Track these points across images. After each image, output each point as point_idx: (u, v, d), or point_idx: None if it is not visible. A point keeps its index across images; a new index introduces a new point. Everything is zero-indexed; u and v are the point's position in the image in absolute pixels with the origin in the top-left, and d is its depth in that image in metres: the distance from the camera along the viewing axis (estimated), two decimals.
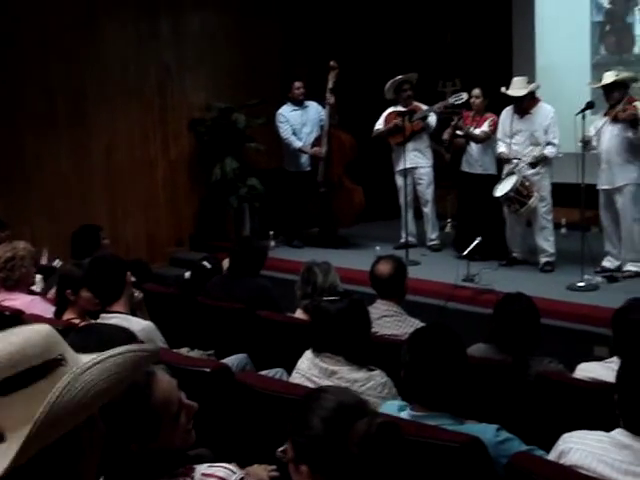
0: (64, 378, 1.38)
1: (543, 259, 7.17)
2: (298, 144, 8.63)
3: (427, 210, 8.26)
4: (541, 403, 3.29)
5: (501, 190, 6.94)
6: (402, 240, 8.16)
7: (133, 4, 8.66)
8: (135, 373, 1.52)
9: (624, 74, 6.86)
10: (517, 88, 7.09)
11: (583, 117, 6.37)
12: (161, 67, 8.98)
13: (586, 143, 6.53)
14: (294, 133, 8.65)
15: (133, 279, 4.01)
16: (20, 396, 1.38)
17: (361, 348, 3.17)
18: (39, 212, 7.98)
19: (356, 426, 1.80)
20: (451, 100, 7.79)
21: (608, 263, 6.94)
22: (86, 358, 1.46)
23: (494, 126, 7.50)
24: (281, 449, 1.93)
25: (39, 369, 1.40)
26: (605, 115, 6.69)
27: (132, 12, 8.66)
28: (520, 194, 6.87)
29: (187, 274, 5.93)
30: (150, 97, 8.91)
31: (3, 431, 1.38)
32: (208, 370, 3.14)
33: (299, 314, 4.38)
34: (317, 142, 8.65)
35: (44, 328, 1.48)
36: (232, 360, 4.17)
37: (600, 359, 3.56)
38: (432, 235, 8.33)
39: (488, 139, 7.56)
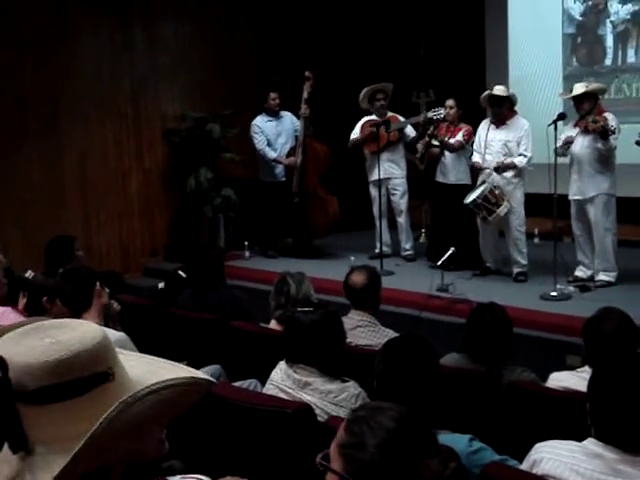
0: (115, 406, 1.24)
1: (516, 269, 7.22)
2: (273, 155, 8.63)
3: (401, 220, 8.29)
4: (514, 413, 3.30)
5: (470, 197, 6.98)
6: (376, 250, 8.18)
7: (107, 15, 8.63)
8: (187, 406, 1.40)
9: (594, 85, 6.93)
10: (499, 90, 7.17)
11: (555, 128, 6.44)
12: (135, 77, 8.96)
13: (559, 155, 6.57)
14: (269, 144, 8.65)
15: (107, 290, 3.98)
16: (56, 408, 1.25)
17: (335, 359, 3.17)
18: (11, 222, 7.92)
19: (429, 465, 1.65)
20: (429, 114, 7.83)
21: (580, 273, 6.99)
22: (137, 371, 1.34)
23: (468, 136, 7.57)
24: (322, 454, 1.73)
25: (85, 382, 1.26)
26: (575, 126, 6.76)
27: (106, 22, 8.64)
28: (488, 201, 6.91)
29: (161, 284, 5.91)
30: (124, 107, 8.87)
31: (33, 444, 1.25)
32: None
33: (273, 325, 4.36)
34: (292, 152, 8.65)
35: (98, 334, 1.32)
36: (206, 371, 4.15)
37: (572, 368, 3.57)
38: (406, 245, 8.36)
39: (463, 148, 7.62)
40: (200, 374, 1.44)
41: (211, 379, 1.46)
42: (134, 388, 1.30)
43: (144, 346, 4.08)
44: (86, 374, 1.26)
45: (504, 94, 7.13)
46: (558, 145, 6.56)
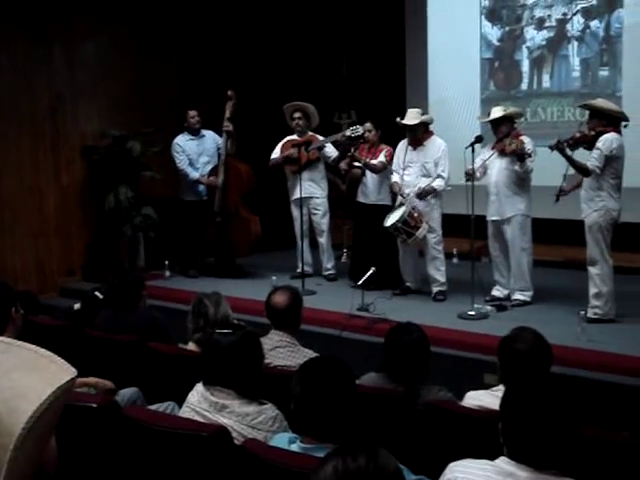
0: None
1: (435, 288, 7.32)
2: (195, 175, 8.57)
3: (322, 240, 8.32)
4: (430, 432, 3.33)
5: (390, 220, 7.06)
6: (298, 270, 8.19)
7: (25, 31, 8.46)
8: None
9: (511, 109, 7.11)
10: (411, 118, 7.25)
11: (472, 150, 6.57)
12: (53, 93, 8.79)
13: (470, 176, 6.71)
14: (191, 163, 8.59)
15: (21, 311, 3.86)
16: None
17: (252, 381, 3.14)
18: None
19: None
20: (347, 132, 7.88)
21: (497, 292, 7.13)
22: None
23: (390, 157, 7.64)
24: None
25: None
26: (493, 148, 6.91)
27: (24, 39, 8.45)
28: (408, 225, 7.00)
29: (77, 305, 5.79)
30: (41, 124, 8.69)
31: None
32: (95, 405, 3.05)
33: (191, 347, 4.31)
34: (214, 171, 8.61)
35: None
36: (122, 394, 4.08)
37: (489, 387, 3.62)
38: (328, 265, 8.39)
39: (385, 169, 7.69)
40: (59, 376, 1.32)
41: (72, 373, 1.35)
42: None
43: None
44: None
45: (416, 121, 7.21)
46: (476, 166, 6.70)
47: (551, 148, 6.15)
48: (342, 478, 1.72)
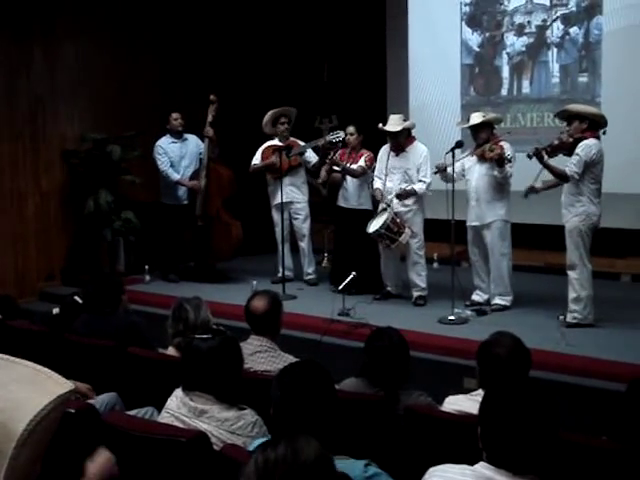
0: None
1: (416, 293, 7.33)
2: (176, 177, 8.54)
3: (303, 245, 8.32)
4: (410, 437, 3.33)
5: (373, 227, 7.07)
6: (279, 274, 8.18)
7: (5, 33, 8.40)
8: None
9: (491, 115, 7.15)
10: (393, 124, 7.25)
11: (453, 156, 6.60)
12: (33, 96, 8.73)
13: (442, 170, 6.74)
14: (172, 165, 8.57)
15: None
16: None
17: (232, 387, 3.14)
18: None
19: None
20: (328, 138, 7.89)
21: (477, 297, 7.16)
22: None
23: (370, 162, 7.65)
24: None
25: None
26: (472, 154, 6.94)
27: (3, 41, 8.40)
28: (391, 231, 7.02)
29: (55, 310, 5.74)
30: (21, 127, 8.63)
31: None
32: (73, 411, 3.03)
33: (171, 352, 4.29)
34: (196, 175, 8.59)
35: None
36: (101, 399, 4.05)
37: (469, 391, 3.63)
38: (309, 269, 8.39)
39: (365, 174, 7.71)
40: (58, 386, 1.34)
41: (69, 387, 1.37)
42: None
43: None
44: None
45: (399, 128, 7.22)
46: (440, 167, 6.76)
47: (529, 156, 6.20)
48: (262, 469, 1.75)
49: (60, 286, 8.80)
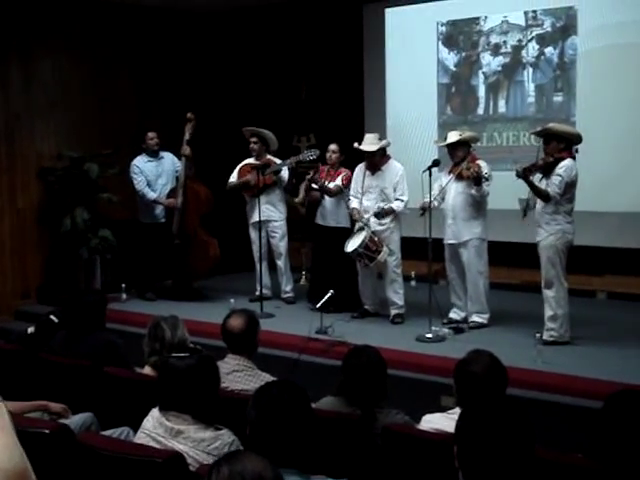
0: None
1: (393, 311, 7.34)
2: (152, 195, 8.52)
3: (280, 263, 8.32)
4: (387, 456, 3.32)
5: (351, 246, 7.09)
6: (257, 292, 8.17)
7: None
8: None
9: (467, 134, 7.20)
10: (369, 144, 7.28)
11: (430, 174, 6.64)
12: (10, 114, 8.69)
13: (424, 210, 6.78)
14: (149, 184, 8.54)
15: None
16: None
17: (209, 406, 3.12)
18: None
19: None
20: (303, 156, 7.93)
21: (454, 315, 7.18)
22: None
23: (347, 180, 7.67)
24: None
25: None
26: (450, 173, 6.98)
27: None
28: (369, 249, 7.03)
29: (30, 329, 5.68)
30: None
31: None
32: (47, 431, 3.00)
33: (147, 371, 4.26)
34: (172, 193, 8.57)
35: None
36: (77, 420, 4.02)
37: (447, 409, 3.63)
38: (286, 287, 8.38)
39: (341, 193, 7.72)
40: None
41: None
42: None
43: (13, 394, 3.92)
44: None
45: (375, 148, 7.25)
46: (434, 193, 6.77)
47: (518, 175, 6.23)
48: None
49: (36, 305, 8.73)
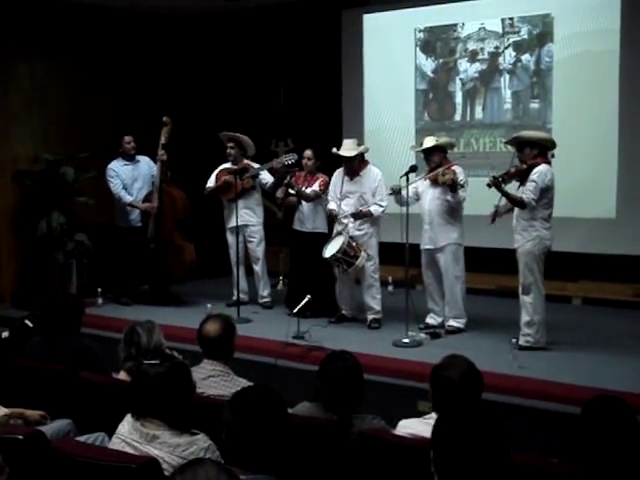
0: None
1: (370, 316, 7.35)
2: (129, 199, 8.47)
3: (258, 268, 8.29)
4: (363, 461, 3.32)
5: (329, 251, 7.09)
6: (234, 297, 8.14)
7: None
8: None
9: (443, 139, 7.24)
10: (347, 149, 7.29)
11: (407, 179, 6.66)
12: None
13: (397, 193, 6.80)
14: (125, 188, 8.49)
15: None
16: None
17: (183, 412, 3.10)
18: None
19: None
20: (281, 160, 7.91)
21: (431, 320, 7.20)
22: None
23: (324, 186, 7.67)
24: None
25: None
26: (425, 178, 7.01)
27: None
28: (347, 255, 7.04)
29: (5, 333, 5.64)
30: None
31: None
32: (21, 437, 2.97)
33: (123, 376, 4.23)
34: (149, 197, 8.52)
35: None
36: (55, 426, 3.98)
37: (423, 414, 3.63)
38: (263, 292, 8.37)
39: (319, 198, 7.72)
40: None
41: None
42: None
43: None
44: None
45: (353, 153, 7.25)
46: (395, 189, 6.81)
47: (489, 185, 6.26)
48: None
49: (10, 309, 8.66)
